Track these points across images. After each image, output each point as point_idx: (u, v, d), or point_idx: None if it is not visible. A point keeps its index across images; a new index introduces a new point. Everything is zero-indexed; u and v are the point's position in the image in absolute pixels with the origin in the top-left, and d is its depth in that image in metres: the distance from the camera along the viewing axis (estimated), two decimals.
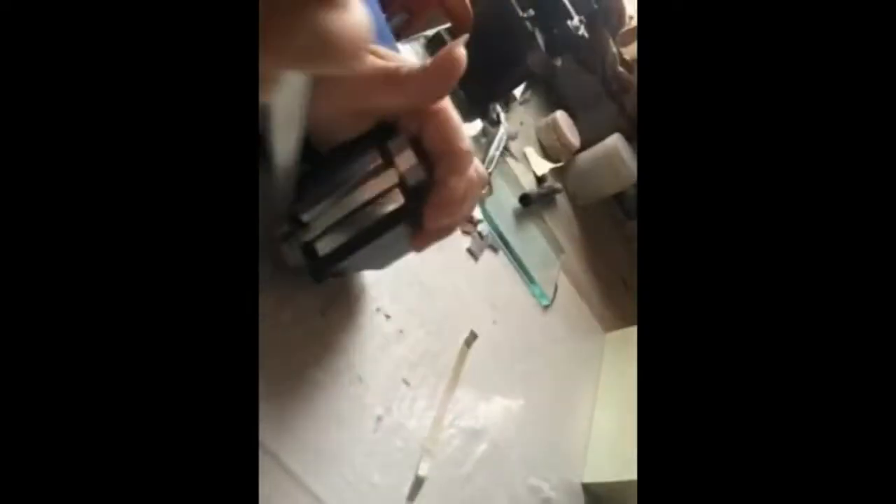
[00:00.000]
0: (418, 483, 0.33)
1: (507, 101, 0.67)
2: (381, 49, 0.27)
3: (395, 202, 0.27)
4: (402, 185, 0.27)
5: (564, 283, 0.62)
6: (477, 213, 0.50)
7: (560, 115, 0.73)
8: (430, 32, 0.55)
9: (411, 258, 0.41)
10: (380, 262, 0.33)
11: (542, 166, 0.69)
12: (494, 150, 0.57)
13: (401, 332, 0.37)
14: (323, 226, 0.27)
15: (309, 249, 0.28)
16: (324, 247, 0.28)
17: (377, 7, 0.37)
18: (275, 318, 0.30)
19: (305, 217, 0.27)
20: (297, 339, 0.30)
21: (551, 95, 0.79)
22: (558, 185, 0.68)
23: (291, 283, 0.31)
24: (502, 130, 0.60)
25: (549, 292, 0.57)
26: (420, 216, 0.27)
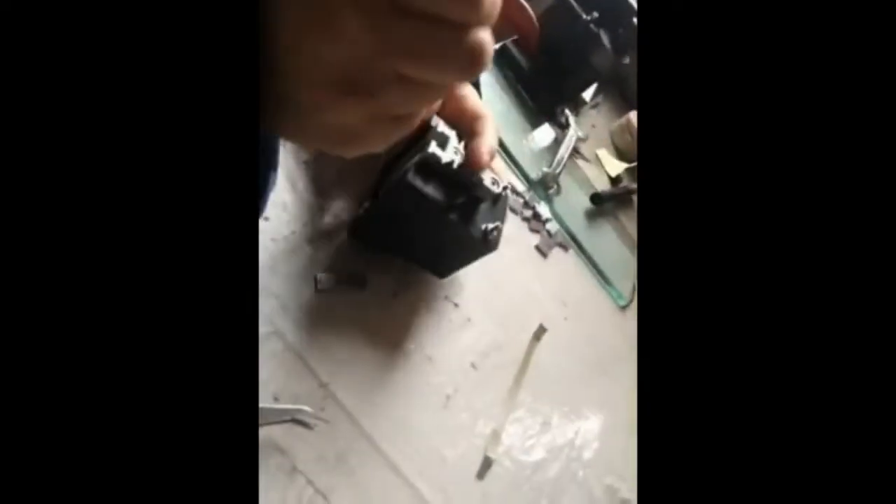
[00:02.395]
0: (487, 463, 0.35)
1: (577, 105, 0.67)
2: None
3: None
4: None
5: None
6: (545, 212, 0.51)
7: (634, 116, 0.71)
8: (497, 45, 0.58)
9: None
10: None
11: (616, 167, 0.68)
12: (564, 152, 0.58)
13: (469, 320, 0.39)
14: None
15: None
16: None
17: None
18: (352, 294, 0.33)
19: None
20: (374, 316, 0.34)
21: (625, 97, 0.78)
22: (634, 185, 0.66)
23: (367, 264, 0.35)
24: (571, 133, 0.61)
25: (627, 293, 0.56)
26: None
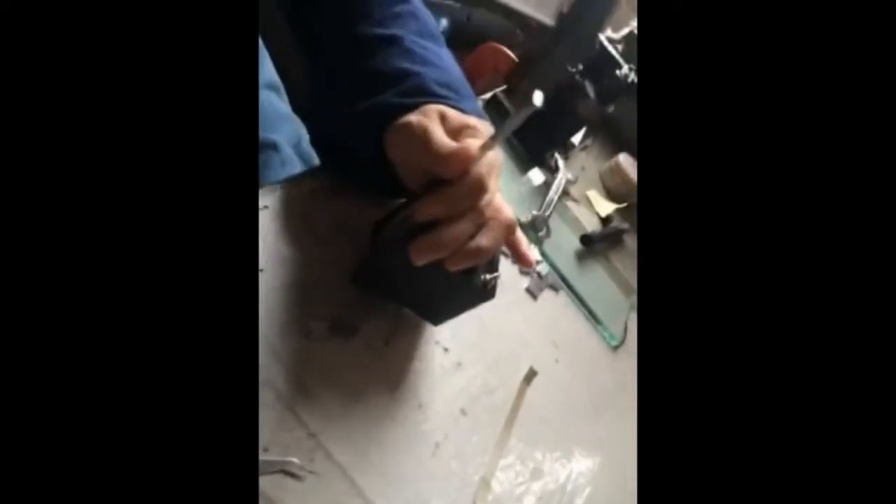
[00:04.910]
0: None
1: (566, 149, 0.70)
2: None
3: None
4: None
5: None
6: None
7: (623, 158, 0.73)
8: (488, 95, 0.61)
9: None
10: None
11: (606, 208, 0.69)
12: (553, 195, 0.60)
13: (459, 364, 0.40)
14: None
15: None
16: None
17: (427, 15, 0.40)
18: (344, 342, 0.34)
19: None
20: (365, 364, 0.35)
21: (614, 139, 0.81)
22: (625, 225, 0.68)
23: (359, 312, 0.36)
24: (560, 176, 0.63)
25: (619, 333, 0.57)
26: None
